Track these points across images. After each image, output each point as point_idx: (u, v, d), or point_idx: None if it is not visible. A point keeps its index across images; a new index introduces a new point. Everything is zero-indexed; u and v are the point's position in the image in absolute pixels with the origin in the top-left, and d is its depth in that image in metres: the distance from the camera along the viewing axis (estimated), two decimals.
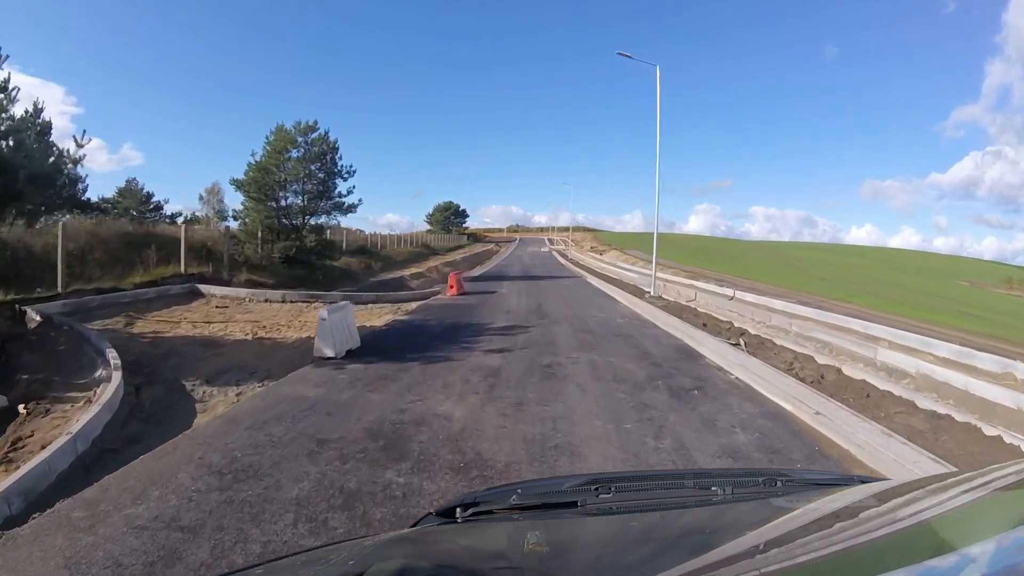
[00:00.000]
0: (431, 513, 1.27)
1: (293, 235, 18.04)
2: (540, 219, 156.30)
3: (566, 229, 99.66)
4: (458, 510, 1.19)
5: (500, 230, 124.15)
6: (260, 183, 17.64)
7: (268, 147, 18.39)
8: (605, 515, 1.17)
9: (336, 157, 19.07)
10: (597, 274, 26.87)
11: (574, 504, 1.18)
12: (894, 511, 0.93)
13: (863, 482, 1.36)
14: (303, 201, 18.64)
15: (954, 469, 4.13)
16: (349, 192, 19.41)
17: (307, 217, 18.81)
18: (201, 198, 38.41)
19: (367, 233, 31.30)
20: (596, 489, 1.23)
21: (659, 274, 23.23)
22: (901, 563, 0.63)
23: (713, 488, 1.27)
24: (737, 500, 1.22)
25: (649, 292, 16.42)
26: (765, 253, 69.32)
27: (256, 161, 17.71)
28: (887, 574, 0.57)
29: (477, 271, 28.54)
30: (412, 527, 1.25)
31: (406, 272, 24.16)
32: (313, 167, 18.68)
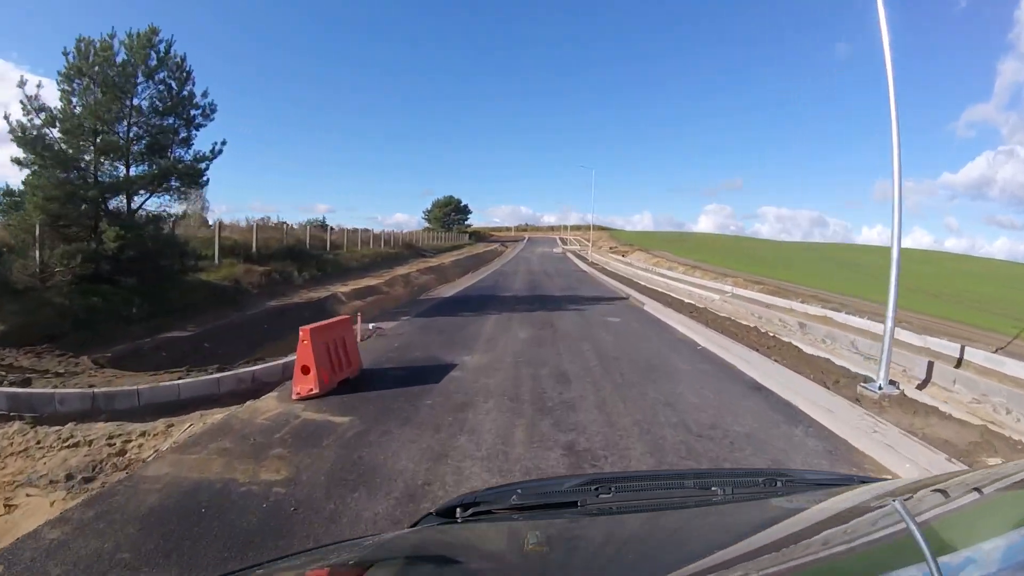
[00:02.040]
0: (431, 513, 1.22)
1: (95, 230, 9.76)
2: (549, 219, 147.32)
3: (580, 228, 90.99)
4: (458, 510, 1.15)
5: (508, 229, 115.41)
6: (38, 139, 9.44)
7: (66, 72, 10.15)
8: (605, 515, 1.14)
9: (189, 90, 10.75)
10: (647, 291, 17.24)
11: (574, 504, 1.15)
12: (895, 511, 0.88)
13: (863, 482, 1.28)
14: (124, 165, 10.34)
15: (959, 468, 3.56)
16: (214, 151, 11.07)
17: (133, 194, 10.51)
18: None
19: (309, 226, 22.96)
20: (596, 489, 1.19)
21: (779, 301, 14.35)
22: (902, 563, 0.61)
23: (713, 488, 1.23)
24: (737, 500, 1.19)
25: (877, 386, 5.66)
26: (813, 255, 59.93)
27: (28, 96, 9.44)
28: (888, 574, 0.56)
29: (459, 285, 19.70)
30: (412, 527, 1.23)
31: (348, 287, 15.82)
32: (143, 102, 10.38)
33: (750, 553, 0.81)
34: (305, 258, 17.90)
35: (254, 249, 16.39)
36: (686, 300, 15.17)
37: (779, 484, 1.24)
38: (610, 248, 56.98)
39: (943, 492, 0.95)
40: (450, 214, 69.99)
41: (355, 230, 25.06)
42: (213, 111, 10.90)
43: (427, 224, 67.73)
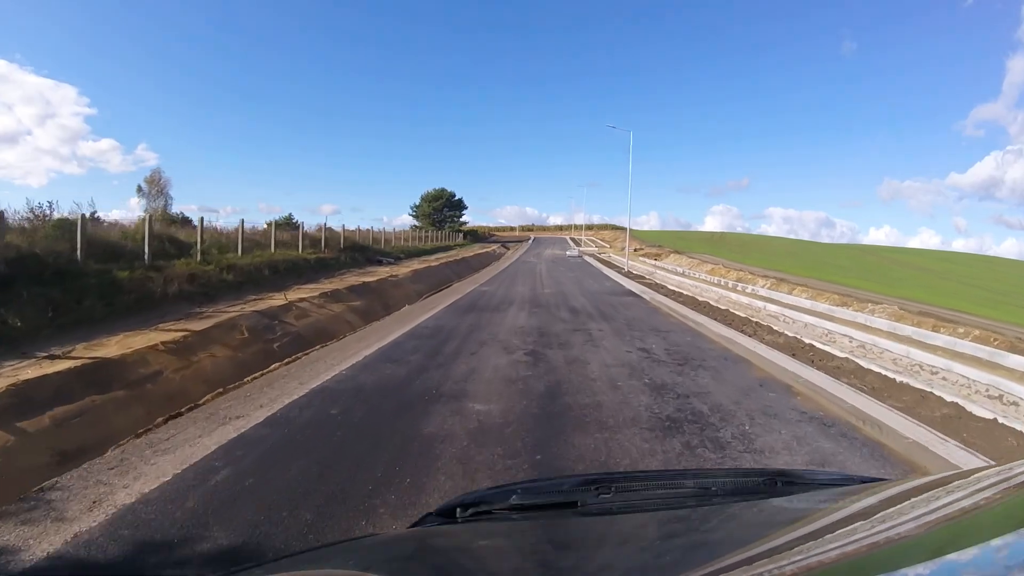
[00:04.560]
0: (431, 513, 1.22)
1: None
2: (556, 219, 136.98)
3: (592, 227, 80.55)
4: (458, 510, 1.15)
5: (511, 229, 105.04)
6: None
7: None
8: (605, 515, 1.14)
9: None
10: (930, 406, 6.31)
11: (574, 504, 1.15)
12: (896, 512, 0.87)
13: (864, 482, 1.28)
14: None
15: (960, 469, 3.26)
16: None
17: None
18: (140, 190, 29.57)
19: (83, 216, 12.91)
20: (596, 489, 1.19)
21: None
22: (903, 564, 0.60)
23: (713, 488, 1.23)
24: (737, 500, 1.18)
25: None
26: (876, 260, 49.73)
27: None
28: (889, 574, 0.56)
29: (333, 363, 7.00)
30: (412, 527, 1.24)
31: (33, 369, 5.72)
32: None
33: (750, 552, 0.77)
34: (29, 283, 7.73)
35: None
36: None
37: (779, 484, 1.23)
38: (635, 250, 46.70)
39: (944, 492, 0.91)
40: (441, 210, 59.66)
41: (238, 225, 14.88)
42: None
43: (415, 222, 57.65)
